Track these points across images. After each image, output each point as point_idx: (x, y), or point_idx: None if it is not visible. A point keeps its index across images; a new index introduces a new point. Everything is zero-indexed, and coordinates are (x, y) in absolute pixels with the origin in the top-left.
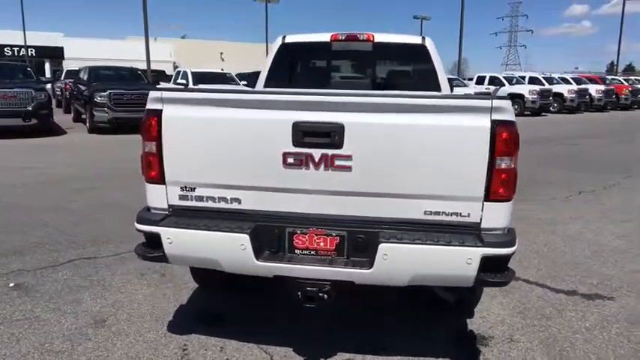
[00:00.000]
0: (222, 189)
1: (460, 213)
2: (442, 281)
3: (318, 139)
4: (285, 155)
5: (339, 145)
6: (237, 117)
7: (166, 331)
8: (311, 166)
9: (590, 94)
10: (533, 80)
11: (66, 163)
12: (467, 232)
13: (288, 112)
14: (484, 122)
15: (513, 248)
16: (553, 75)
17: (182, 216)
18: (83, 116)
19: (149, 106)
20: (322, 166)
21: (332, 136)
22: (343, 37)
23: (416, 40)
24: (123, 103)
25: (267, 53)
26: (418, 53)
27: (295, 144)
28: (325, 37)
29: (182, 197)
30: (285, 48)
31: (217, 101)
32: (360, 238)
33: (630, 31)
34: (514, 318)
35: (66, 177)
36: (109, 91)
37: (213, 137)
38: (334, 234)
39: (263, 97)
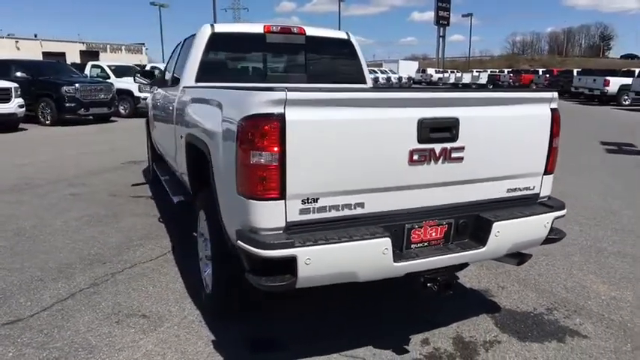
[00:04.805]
0: (346, 195)
1: (528, 187)
2: (524, 246)
3: (441, 134)
4: (412, 152)
5: (455, 139)
6: (363, 117)
7: None
8: (432, 160)
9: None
10: None
11: None
12: (532, 203)
13: (413, 110)
14: (547, 110)
15: (566, 209)
16: None
17: (302, 232)
18: None
19: (265, 109)
20: (441, 160)
21: (451, 130)
22: (277, 29)
23: (342, 35)
24: None
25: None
26: (345, 47)
27: (420, 140)
28: (258, 28)
29: (303, 211)
30: (215, 38)
31: (344, 101)
32: (463, 223)
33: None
34: (482, 271)
35: None
36: None
37: (339, 140)
38: (444, 222)
39: (390, 95)
